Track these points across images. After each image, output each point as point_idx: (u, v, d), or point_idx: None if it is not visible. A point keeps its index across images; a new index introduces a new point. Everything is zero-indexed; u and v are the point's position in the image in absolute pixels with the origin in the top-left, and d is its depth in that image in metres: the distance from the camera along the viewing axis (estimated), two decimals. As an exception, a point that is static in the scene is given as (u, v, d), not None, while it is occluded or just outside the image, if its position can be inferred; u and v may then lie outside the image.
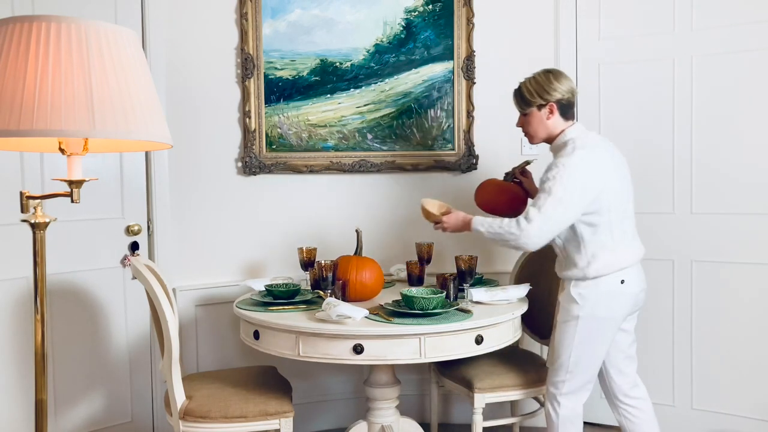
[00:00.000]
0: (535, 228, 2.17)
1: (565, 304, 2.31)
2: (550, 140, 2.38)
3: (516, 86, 2.41)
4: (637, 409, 2.43)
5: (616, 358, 2.41)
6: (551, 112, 2.32)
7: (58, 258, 2.61)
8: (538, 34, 3.26)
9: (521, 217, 2.23)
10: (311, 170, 3.10)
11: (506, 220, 2.26)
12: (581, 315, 2.25)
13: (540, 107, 2.33)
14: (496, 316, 2.27)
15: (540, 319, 2.74)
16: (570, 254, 2.30)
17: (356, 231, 2.70)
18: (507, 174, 2.68)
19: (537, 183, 2.46)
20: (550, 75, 2.33)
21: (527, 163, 2.69)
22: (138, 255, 2.83)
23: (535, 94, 2.33)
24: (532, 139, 2.41)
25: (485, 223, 2.32)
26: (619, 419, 2.47)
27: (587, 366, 2.31)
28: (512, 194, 2.59)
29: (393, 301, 2.35)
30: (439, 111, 3.19)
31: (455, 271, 2.51)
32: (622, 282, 2.25)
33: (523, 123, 2.41)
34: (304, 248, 2.71)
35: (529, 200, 2.57)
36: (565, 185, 2.15)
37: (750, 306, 2.93)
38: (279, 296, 2.48)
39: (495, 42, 3.25)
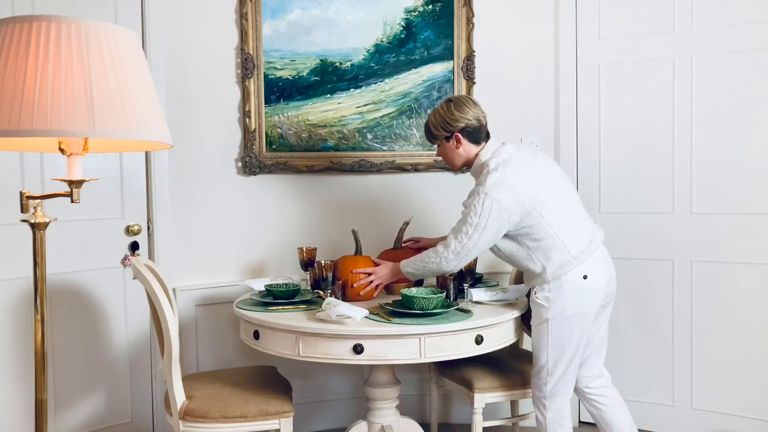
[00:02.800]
0: (451, 253, 2.27)
1: (535, 308, 2.32)
2: (469, 165, 2.42)
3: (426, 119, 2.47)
4: (604, 397, 2.45)
5: (584, 354, 2.40)
6: (458, 141, 2.36)
7: (58, 258, 2.61)
8: (538, 34, 3.26)
9: (440, 244, 2.32)
10: (311, 170, 3.10)
11: (428, 251, 2.35)
12: (550, 317, 2.26)
13: (447, 138, 2.38)
14: (496, 316, 2.27)
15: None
16: (523, 264, 2.32)
17: (353, 231, 2.70)
18: (396, 242, 2.77)
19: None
20: (452, 105, 2.36)
21: (406, 224, 2.78)
22: (138, 255, 2.83)
23: (439, 128, 2.38)
24: (452, 167, 2.47)
25: (410, 263, 2.40)
26: (589, 409, 2.50)
27: (566, 365, 2.31)
28: (404, 258, 2.62)
29: (393, 301, 2.35)
30: (439, 111, 3.19)
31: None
32: (585, 277, 2.24)
33: (440, 153, 2.47)
34: (304, 248, 2.71)
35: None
36: (477, 212, 2.19)
37: (750, 306, 2.93)
38: (279, 296, 2.48)
39: (495, 42, 3.25)
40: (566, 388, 2.35)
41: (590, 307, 2.27)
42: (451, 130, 2.35)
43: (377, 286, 2.48)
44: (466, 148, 2.38)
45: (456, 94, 3.20)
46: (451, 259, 2.28)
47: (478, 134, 2.37)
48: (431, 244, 2.72)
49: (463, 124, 2.34)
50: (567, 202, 2.30)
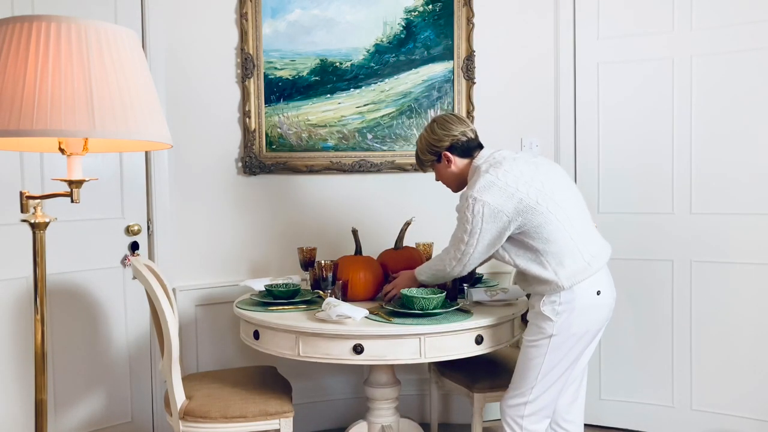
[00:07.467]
0: (453, 259, 2.18)
1: (537, 321, 2.13)
2: (466, 180, 2.26)
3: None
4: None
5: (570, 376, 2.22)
6: (448, 160, 2.26)
7: (58, 258, 2.61)
8: (538, 34, 3.26)
9: (443, 249, 2.25)
10: (311, 170, 3.10)
11: (436, 256, 2.29)
12: (555, 333, 2.08)
13: (437, 161, 2.29)
14: (496, 316, 2.27)
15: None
16: (530, 270, 2.12)
17: (353, 231, 2.70)
18: (397, 242, 2.73)
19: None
20: (435, 125, 2.27)
21: (408, 224, 2.75)
22: (138, 255, 2.83)
23: (426, 152, 2.29)
24: (451, 189, 2.37)
25: (423, 270, 2.34)
26: None
27: (554, 389, 2.16)
28: (405, 258, 2.63)
29: (393, 300, 2.35)
30: (439, 111, 3.19)
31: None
32: (599, 293, 2.09)
33: (438, 179, 2.38)
34: (304, 248, 2.71)
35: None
36: (469, 219, 2.07)
37: (750, 306, 2.93)
38: (279, 296, 2.48)
39: (495, 42, 3.25)
40: (546, 410, 2.18)
41: (595, 327, 2.14)
42: (438, 151, 2.26)
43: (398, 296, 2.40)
44: (458, 164, 2.26)
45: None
46: (454, 265, 2.19)
47: (468, 149, 2.25)
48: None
49: (448, 142, 2.23)
50: (576, 205, 2.14)
